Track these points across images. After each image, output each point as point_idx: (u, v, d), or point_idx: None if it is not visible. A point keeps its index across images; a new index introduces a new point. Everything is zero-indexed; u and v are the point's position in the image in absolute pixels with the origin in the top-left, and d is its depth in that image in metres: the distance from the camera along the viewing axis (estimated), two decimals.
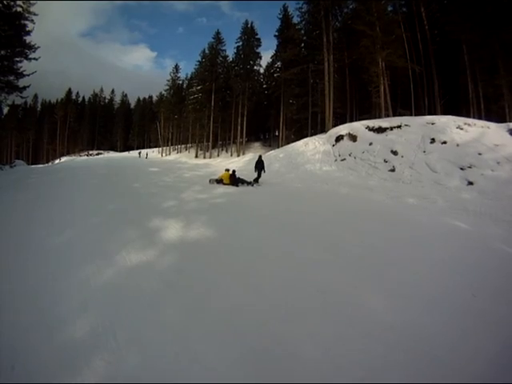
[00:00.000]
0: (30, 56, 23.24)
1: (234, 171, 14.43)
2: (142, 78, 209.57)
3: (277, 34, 40.75)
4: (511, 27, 18.27)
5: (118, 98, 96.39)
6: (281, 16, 40.57)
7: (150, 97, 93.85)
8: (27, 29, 22.81)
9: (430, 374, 2.75)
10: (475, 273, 4.81)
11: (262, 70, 51.28)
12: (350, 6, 30.59)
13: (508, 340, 3.29)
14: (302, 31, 36.56)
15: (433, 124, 14.94)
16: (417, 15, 27.30)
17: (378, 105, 24.95)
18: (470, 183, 10.84)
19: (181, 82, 66.10)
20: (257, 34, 45.81)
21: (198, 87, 52.37)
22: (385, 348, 3.06)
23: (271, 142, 47.46)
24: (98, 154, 74.55)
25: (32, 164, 57.80)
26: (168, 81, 64.27)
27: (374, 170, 14.30)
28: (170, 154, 63.16)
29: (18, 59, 22.92)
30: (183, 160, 45.70)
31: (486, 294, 4.12)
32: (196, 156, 51.07)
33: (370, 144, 16.03)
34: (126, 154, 71.24)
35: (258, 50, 45.91)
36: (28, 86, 24.36)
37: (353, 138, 17.59)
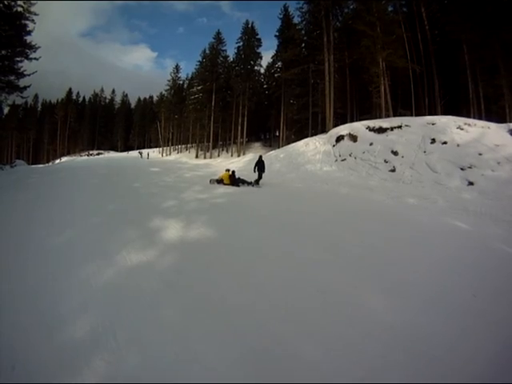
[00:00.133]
0: (31, 56, 23.26)
1: (233, 172, 14.41)
2: (143, 78, 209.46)
3: (277, 34, 40.85)
4: (511, 27, 18.25)
5: (118, 98, 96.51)
6: (281, 16, 40.65)
7: (151, 97, 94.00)
8: (28, 29, 22.83)
9: (429, 374, 2.75)
10: (475, 273, 4.81)
11: (262, 70, 51.38)
12: (351, 6, 30.58)
13: (508, 340, 3.29)
14: (303, 31, 36.53)
15: (433, 124, 14.94)
16: (417, 15, 27.30)
17: (379, 105, 24.95)
18: (471, 183, 10.84)
19: (181, 82, 66.09)
20: (257, 34, 45.87)
21: (199, 87, 52.39)
22: (385, 348, 3.06)
23: (272, 142, 47.49)
24: (98, 154, 74.53)
25: (32, 164, 57.85)
26: (168, 81, 64.30)
27: (374, 170, 14.29)
28: (170, 154, 63.17)
29: (18, 59, 22.92)
30: (183, 160, 45.72)
31: (485, 294, 4.12)
32: (196, 156, 51.06)
33: (371, 144, 16.02)
34: (124, 154, 71.06)
35: (258, 50, 46.02)
36: (28, 86, 24.35)
37: (353, 138, 17.58)
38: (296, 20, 37.91)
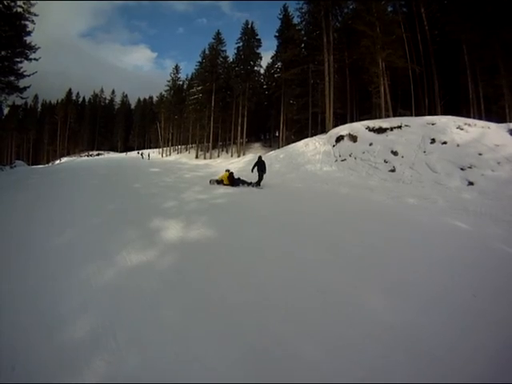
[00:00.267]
0: (31, 56, 23.32)
1: (231, 173, 14.33)
2: (143, 79, 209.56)
3: (277, 34, 40.86)
4: (511, 27, 18.26)
5: (118, 99, 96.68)
6: (281, 16, 40.67)
7: (151, 97, 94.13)
8: (27, 29, 22.88)
9: (429, 374, 2.75)
10: (475, 273, 4.81)
11: (262, 71, 51.48)
12: (350, 6, 30.63)
13: (508, 340, 3.29)
14: (303, 31, 36.60)
15: (433, 124, 14.94)
16: (417, 15, 27.30)
17: (379, 105, 24.95)
18: (471, 183, 10.84)
19: (181, 83, 66.09)
20: (257, 35, 45.96)
21: (199, 88, 52.47)
22: (385, 348, 3.05)
23: (271, 143, 47.51)
24: (98, 155, 74.54)
25: (32, 164, 57.95)
26: (168, 81, 64.34)
27: (374, 171, 14.29)
28: (170, 154, 63.20)
29: (18, 60, 22.97)
30: (183, 160, 45.75)
31: (485, 294, 4.12)
32: (196, 157, 51.09)
33: (371, 144, 16.02)
34: (123, 155, 70.94)
35: (258, 51, 46.12)
36: (28, 87, 24.38)
37: (353, 138, 17.58)
38: (296, 20, 38.05)
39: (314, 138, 22.80)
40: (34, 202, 10.01)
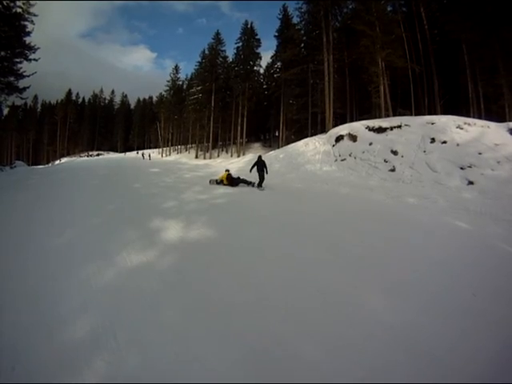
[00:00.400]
0: (30, 57, 23.37)
1: (230, 173, 14.25)
2: (142, 79, 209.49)
3: (277, 34, 40.86)
4: (511, 26, 18.25)
5: (118, 99, 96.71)
6: (280, 16, 40.69)
7: (150, 97, 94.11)
8: (27, 30, 22.93)
9: (429, 374, 2.75)
10: (475, 272, 4.81)
11: (261, 71, 51.52)
12: (350, 6, 30.62)
13: (508, 339, 3.28)
14: (302, 31, 36.58)
15: (433, 124, 14.93)
16: (416, 15, 27.30)
17: (378, 105, 24.96)
18: (471, 183, 10.83)
19: (181, 83, 66.09)
20: (256, 35, 45.97)
21: (198, 88, 52.49)
22: (385, 348, 3.05)
23: (271, 143, 47.50)
24: (98, 155, 74.55)
25: (32, 165, 57.94)
26: (168, 81, 64.36)
27: (374, 170, 14.29)
28: (170, 154, 63.21)
29: (17, 60, 23.02)
30: (183, 160, 45.74)
31: (485, 294, 4.12)
32: (196, 157, 51.10)
33: (370, 144, 16.02)
34: (122, 155, 70.84)
35: (257, 51, 46.12)
36: (28, 87, 24.43)
37: (353, 138, 17.58)
38: (295, 20, 38.07)
39: (314, 137, 22.79)
40: (34, 202, 10.01)
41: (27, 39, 23.09)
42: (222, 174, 14.89)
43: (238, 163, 28.38)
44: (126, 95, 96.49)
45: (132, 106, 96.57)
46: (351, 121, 26.85)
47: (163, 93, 70.29)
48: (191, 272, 4.73)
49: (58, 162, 63.64)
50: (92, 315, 3.62)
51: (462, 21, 21.02)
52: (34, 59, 23.60)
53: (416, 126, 15.47)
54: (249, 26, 45.90)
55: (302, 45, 36.87)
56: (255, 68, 47.45)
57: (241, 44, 46.40)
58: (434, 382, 2.66)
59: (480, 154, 11.88)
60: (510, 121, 15.99)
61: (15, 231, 6.88)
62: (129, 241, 6.07)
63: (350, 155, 16.48)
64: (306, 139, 23.15)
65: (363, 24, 23.37)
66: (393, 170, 13.61)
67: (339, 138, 18.53)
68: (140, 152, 64.18)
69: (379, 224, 7.53)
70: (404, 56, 25.33)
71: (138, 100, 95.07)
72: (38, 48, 23.60)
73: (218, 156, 47.98)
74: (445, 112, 22.19)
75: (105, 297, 4.02)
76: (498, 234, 6.91)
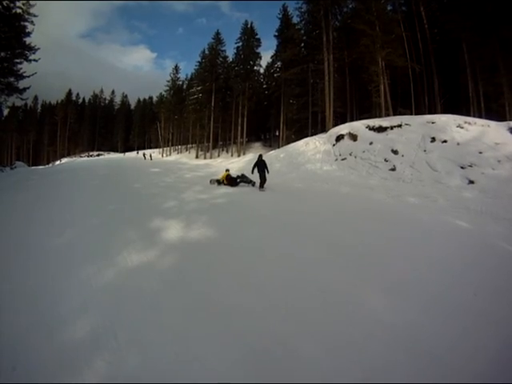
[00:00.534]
0: (30, 57, 23.38)
1: (228, 174, 14.19)
2: (142, 79, 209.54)
3: (276, 34, 40.82)
4: (511, 25, 18.24)
5: (118, 99, 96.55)
6: (280, 16, 40.65)
7: (151, 97, 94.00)
8: (27, 30, 22.94)
9: (430, 374, 2.75)
10: (476, 271, 4.80)
11: (262, 70, 51.47)
12: (350, 6, 30.62)
13: (508, 339, 3.28)
14: (302, 31, 36.56)
15: (433, 123, 14.91)
16: (416, 14, 27.32)
17: (378, 104, 24.94)
18: (471, 182, 10.81)
19: (181, 83, 65.98)
20: (256, 34, 45.94)
21: (198, 87, 52.49)
22: (386, 348, 3.05)
23: (272, 142, 47.48)
24: (98, 155, 74.54)
25: (32, 165, 57.90)
26: (168, 81, 64.27)
27: (374, 170, 14.27)
28: (170, 154, 63.16)
29: (18, 61, 23.03)
30: (184, 160, 45.73)
31: (486, 293, 4.11)
32: (196, 156, 51.07)
33: (371, 143, 16.00)
34: (121, 155, 70.76)
35: (257, 50, 46.08)
36: (28, 88, 24.44)
37: (353, 137, 17.56)
38: (295, 20, 38.05)
39: (314, 137, 22.76)
40: (34, 203, 10.02)
41: (27, 40, 23.13)
42: (222, 173, 14.88)
43: (239, 163, 28.37)
44: (126, 95, 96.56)
45: (132, 106, 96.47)
46: (351, 120, 26.82)
47: (163, 93, 70.34)
48: (191, 272, 4.73)
49: (58, 162, 63.66)
50: (92, 315, 3.62)
51: (462, 20, 21.03)
52: (34, 60, 23.62)
53: (416, 125, 15.45)
54: (249, 25, 45.92)
55: (302, 44, 36.86)
56: (255, 68, 47.47)
57: (241, 44, 46.39)
58: (435, 381, 2.66)
59: (480, 153, 11.86)
60: (510, 120, 15.99)
61: (15, 231, 6.89)
62: (129, 241, 6.08)
63: (350, 154, 16.45)
64: (306, 139, 23.12)
65: (363, 23, 23.36)
66: (393, 169, 13.59)
67: (339, 138, 18.51)
68: (140, 152, 64.09)
69: (379, 223, 7.52)
70: (404, 55, 25.33)
71: (138, 100, 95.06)
72: (38, 48, 23.63)
73: (219, 156, 47.95)
74: (445, 111, 22.15)
75: (105, 297, 4.02)
76: (499, 233, 6.90)
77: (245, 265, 4.97)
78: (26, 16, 22.67)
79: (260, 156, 13.93)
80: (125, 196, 11.27)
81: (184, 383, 2.63)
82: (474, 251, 5.73)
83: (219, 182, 14.08)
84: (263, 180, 12.93)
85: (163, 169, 25.10)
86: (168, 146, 66.86)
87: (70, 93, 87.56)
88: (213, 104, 47.80)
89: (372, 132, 16.98)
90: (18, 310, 3.78)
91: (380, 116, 22.41)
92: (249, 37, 45.49)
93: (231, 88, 46.42)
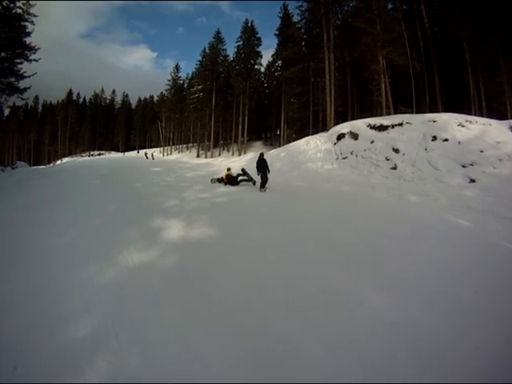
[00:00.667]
0: (31, 57, 23.37)
1: (227, 174, 14.14)
2: (143, 79, 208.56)
3: (277, 32, 40.81)
4: (511, 24, 18.20)
5: (118, 99, 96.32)
6: (281, 15, 40.61)
7: (151, 97, 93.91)
8: (27, 30, 22.91)
9: (431, 373, 2.75)
10: (476, 270, 4.80)
11: (262, 69, 51.28)
12: (351, 4, 30.41)
13: (509, 338, 3.28)
14: (303, 30, 36.43)
15: (434, 122, 14.88)
16: (417, 13, 27.23)
17: (379, 103, 24.88)
18: (472, 180, 10.79)
19: (181, 82, 65.90)
20: (257, 33, 45.83)
21: (199, 87, 52.38)
22: (387, 346, 3.05)
23: (273, 141, 47.44)
24: (99, 155, 74.55)
25: (34, 165, 57.96)
26: (169, 81, 64.18)
27: (375, 168, 14.25)
28: (171, 153, 63.14)
29: (18, 61, 23.02)
30: (185, 160, 45.74)
31: (486, 291, 4.11)
32: (197, 155, 51.10)
33: (372, 142, 15.98)
34: (120, 155, 70.68)
35: (258, 49, 45.96)
36: (29, 88, 24.43)
37: (354, 136, 17.53)
38: (296, 18, 37.84)
39: (315, 136, 22.74)
40: (36, 203, 10.02)
41: (27, 40, 23.11)
42: (223, 172, 14.86)
43: (240, 162, 28.31)
44: (127, 95, 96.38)
45: (133, 106, 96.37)
46: (352, 119, 26.70)
47: (164, 92, 70.27)
48: (192, 271, 4.74)
49: (59, 162, 63.68)
50: (94, 315, 3.63)
51: (463, 18, 20.96)
52: (35, 60, 23.61)
53: (417, 123, 15.42)
54: (249, 24, 45.82)
55: (303, 43, 36.73)
56: (256, 67, 47.36)
57: (241, 43, 46.31)
58: (436, 381, 2.66)
59: (482, 151, 11.84)
60: (511, 118, 15.95)
61: (17, 231, 6.89)
62: (130, 240, 6.08)
63: (351, 153, 16.43)
64: (307, 137, 23.10)
65: (364, 22, 23.28)
66: (394, 167, 13.57)
67: (340, 136, 18.48)
68: (141, 151, 64.09)
69: (380, 222, 7.52)
70: (405, 54, 25.22)
71: (139, 99, 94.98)
72: (39, 48, 23.61)
73: (220, 155, 47.92)
74: (446, 110, 22.11)
75: (106, 296, 4.03)
76: (500, 231, 6.90)
77: (246, 264, 4.98)
78: (26, 16, 22.65)
79: (261, 154, 13.50)
80: (126, 195, 11.27)
81: (185, 383, 2.64)
82: (475, 250, 5.72)
83: (220, 181, 14.07)
84: (264, 180, 12.51)
85: (164, 168, 25.07)
86: (169, 145, 66.84)
87: (70, 92, 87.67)
88: (213, 103, 47.80)
89: (373, 131, 16.94)
90: (19, 309, 3.79)
91: (381, 115, 22.37)
92: (249, 36, 45.42)
93: (232, 87, 46.36)
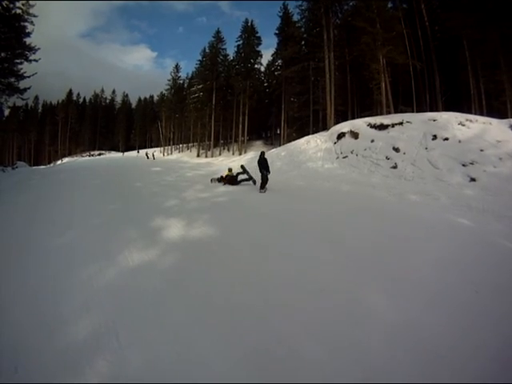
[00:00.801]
0: (30, 58, 23.42)
1: (227, 175, 14.19)
2: (143, 78, 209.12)
3: (277, 32, 40.86)
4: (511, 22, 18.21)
5: (119, 98, 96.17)
6: (281, 14, 40.65)
7: (151, 96, 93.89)
8: (27, 30, 22.95)
9: (431, 373, 2.74)
10: (477, 269, 4.79)
11: (262, 69, 51.36)
12: (350, 3, 30.45)
13: (509, 337, 3.27)
14: (303, 29, 36.50)
15: (434, 120, 14.87)
16: (417, 11, 27.21)
17: (380, 102, 24.88)
18: (473, 179, 10.78)
19: (182, 82, 65.92)
20: (257, 33, 45.90)
21: (199, 86, 52.42)
22: (387, 347, 3.05)
23: (273, 141, 47.45)
24: (99, 155, 74.57)
25: (34, 165, 57.97)
26: (169, 80, 64.26)
27: (375, 167, 14.25)
28: (171, 153, 63.16)
29: (18, 61, 23.06)
30: (185, 159, 45.76)
31: (487, 291, 4.10)
32: (198, 155, 51.12)
33: (372, 141, 15.97)
34: (120, 154, 70.66)
35: (258, 49, 46.09)
36: (29, 88, 24.46)
37: (354, 135, 17.52)
38: (295, 18, 37.94)
39: (316, 135, 22.74)
40: (36, 203, 10.03)
41: (27, 40, 23.16)
42: (224, 172, 14.85)
43: (240, 161, 28.21)
44: (127, 94, 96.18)
45: (133, 106, 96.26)
46: (352, 118, 26.71)
47: (164, 92, 70.46)
48: (193, 271, 4.73)
49: (59, 162, 63.74)
50: (94, 315, 3.63)
51: (463, 17, 20.91)
52: (35, 60, 23.64)
53: (418, 122, 15.42)
54: (249, 24, 45.87)
55: (303, 42, 36.76)
56: (256, 66, 47.43)
57: (241, 42, 46.36)
58: (436, 381, 2.66)
59: (482, 150, 11.83)
60: (511, 117, 15.94)
61: (17, 231, 6.90)
62: (130, 240, 6.08)
63: (351, 152, 16.42)
64: (307, 137, 23.09)
65: (364, 21, 23.28)
66: (395, 167, 13.56)
67: (341, 136, 18.47)
68: (141, 151, 64.07)
69: (381, 221, 7.51)
70: (405, 53, 25.20)
71: (139, 99, 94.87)
72: (38, 49, 23.65)
73: (220, 154, 47.93)
74: (446, 109, 22.13)
75: (106, 296, 4.03)
76: (500, 230, 6.88)
77: (246, 263, 4.98)
78: (26, 16, 22.68)
79: (262, 153, 13.01)
80: (126, 195, 11.27)
81: (185, 383, 2.63)
82: (476, 249, 5.71)
83: (219, 180, 14.06)
84: (264, 180, 12.16)
85: (164, 168, 25.07)
86: (169, 144, 66.88)
87: (70, 92, 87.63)
88: (214, 102, 47.84)
89: (373, 130, 16.94)
90: (19, 310, 3.78)
91: (381, 114, 22.38)
92: (249, 35, 45.45)
93: (232, 86, 46.32)
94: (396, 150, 14.39)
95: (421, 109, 24.97)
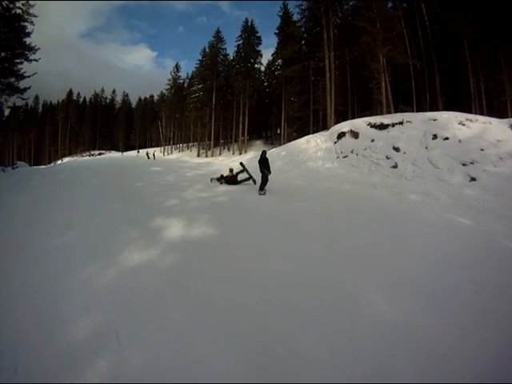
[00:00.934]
0: (31, 57, 23.45)
1: (227, 175, 14.12)
2: (143, 78, 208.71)
3: (277, 31, 40.77)
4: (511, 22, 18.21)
5: (119, 98, 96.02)
6: (281, 13, 40.56)
7: (151, 96, 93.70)
8: (27, 30, 22.98)
9: (431, 372, 2.74)
10: (477, 269, 4.78)
11: (262, 68, 51.45)
12: (350, 3, 30.46)
13: (509, 337, 3.27)
14: (303, 28, 36.48)
15: (435, 120, 14.88)
16: (417, 11, 27.23)
17: (380, 101, 24.86)
18: (473, 179, 10.78)
19: (182, 81, 65.94)
20: (257, 32, 45.85)
21: (199, 86, 52.40)
22: (387, 346, 3.04)
23: (273, 140, 47.45)
24: (99, 154, 74.62)
25: (34, 165, 58.00)
26: (169, 80, 64.33)
27: (376, 167, 14.25)
28: (171, 153, 63.20)
29: (18, 61, 23.09)
30: (185, 159, 45.73)
31: (487, 290, 4.10)
32: (198, 155, 51.11)
33: (372, 141, 15.97)
34: (120, 154, 70.65)
35: (258, 48, 46.03)
36: (29, 88, 24.49)
37: (355, 134, 17.52)
38: (295, 17, 37.90)
39: (316, 134, 22.74)
40: (36, 203, 10.03)
41: (27, 40, 23.19)
42: (224, 172, 14.82)
43: (240, 161, 28.33)
44: (127, 94, 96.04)
45: (133, 105, 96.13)
46: (353, 118, 26.69)
47: (164, 91, 70.44)
48: (193, 270, 4.73)
49: (59, 162, 63.78)
50: (94, 315, 3.63)
51: (463, 17, 20.95)
52: (35, 60, 23.67)
53: (418, 122, 15.42)
54: (249, 23, 45.84)
55: (303, 42, 36.75)
56: (256, 66, 47.40)
57: (241, 42, 46.33)
58: (436, 380, 2.66)
59: (482, 150, 11.83)
60: (511, 117, 15.94)
61: (17, 231, 6.90)
62: (131, 240, 6.08)
63: (351, 152, 16.43)
64: (307, 136, 23.10)
65: (364, 20, 23.28)
66: (395, 166, 13.56)
67: (341, 135, 18.47)
68: (141, 151, 64.05)
69: (381, 221, 7.51)
70: (405, 52, 25.19)
71: (139, 99, 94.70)
72: (38, 48, 23.67)
73: (220, 154, 47.95)
74: (446, 108, 22.12)
75: (107, 296, 4.02)
76: (500, 230, 6.87)
77: (246, 263, 4.97)
78: (26, 16, 22.71)
79: (263, 153, 12.52)
80: (126, 195, 11.25)
81: (186, 383, 2.63)
82: (476, 249, 5.71)
83: (220, 179, 14.04)
84: (264, 181, 11.71)
85: (164, 167, 25.03)
86: (169, 144, 66.90)
87: (70, 92, 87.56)
88: (214, 102, 47.85)
89: (373, 129, 16.94)
90: (19, 310, 3.78)
91: (381, 113, 22.39)
92: (249, 35, 45.42)
93: (232, 86, 46.30)
94: (396, 149, 14.40)
95: (421, 108, 24.99)
